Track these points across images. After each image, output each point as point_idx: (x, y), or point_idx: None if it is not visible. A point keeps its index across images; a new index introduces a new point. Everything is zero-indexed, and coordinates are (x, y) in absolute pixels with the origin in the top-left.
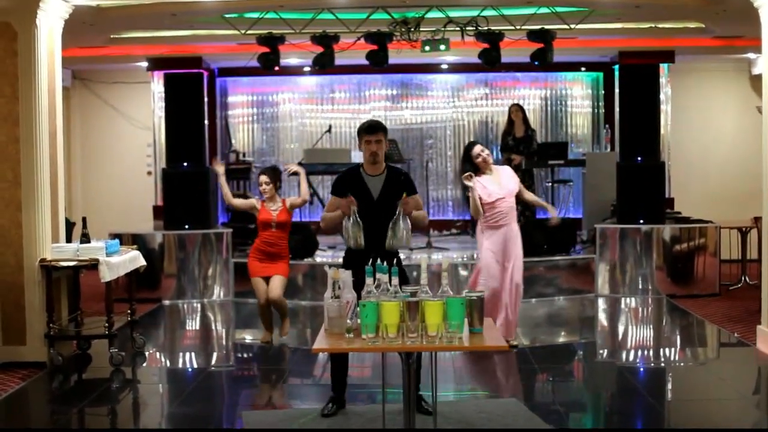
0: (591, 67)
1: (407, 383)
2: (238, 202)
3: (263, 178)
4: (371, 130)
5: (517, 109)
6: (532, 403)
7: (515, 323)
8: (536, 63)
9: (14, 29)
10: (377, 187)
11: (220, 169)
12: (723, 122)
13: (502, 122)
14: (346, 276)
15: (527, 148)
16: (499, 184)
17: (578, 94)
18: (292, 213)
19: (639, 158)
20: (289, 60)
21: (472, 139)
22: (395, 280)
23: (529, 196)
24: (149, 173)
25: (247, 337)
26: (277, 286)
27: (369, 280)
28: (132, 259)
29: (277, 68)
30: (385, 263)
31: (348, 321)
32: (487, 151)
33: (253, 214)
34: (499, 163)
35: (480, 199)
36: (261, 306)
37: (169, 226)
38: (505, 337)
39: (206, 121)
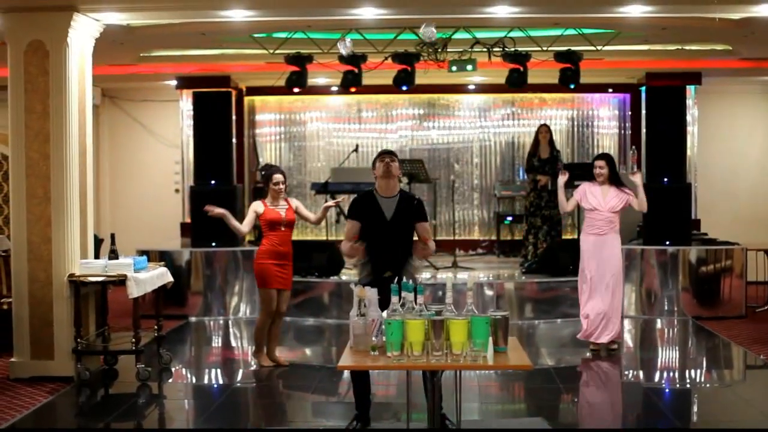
0: (618, 88)
1: (431, 401)
2: (247, 222)
3: (280, 177)
4: (384, 152)
5: (545, 130)
6: (556, 423)
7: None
8: (572, 86)
9: (46, 47)
10: (390, 208)
11: (218, 212)
12: (750, 144)
13: (528, 143)
14: (371, 294)
15: (552, 168)
16: (605, 197)
17: (605, 115)
18: (297, 211)
19: (665, 179)
20: (316, 80)
21: (498, 160)
22: (410, 296)
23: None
24: (177, 191)
25: (255, 363)
26: (286, 299)
27: (394, 299)
28: (159, 275)
29: (297, 90)
30: (396, 281)
31: (373, 339)
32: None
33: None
34: (524, 183)
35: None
36: (270, 315)
37: (196, 243)
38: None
39: (234, 140)
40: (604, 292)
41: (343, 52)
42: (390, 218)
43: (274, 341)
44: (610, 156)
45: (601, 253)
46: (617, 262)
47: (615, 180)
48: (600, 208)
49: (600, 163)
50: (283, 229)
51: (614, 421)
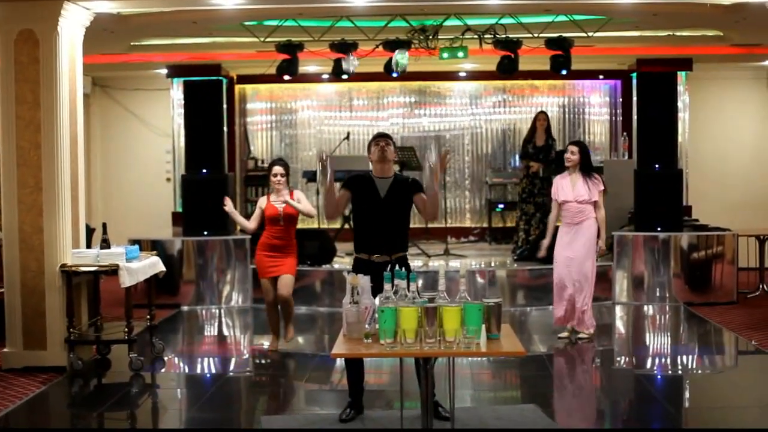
0: (609, 74)
1: (424, 388)
2: (253, 218)
3: (279, 169)
4: (379, 135)
5: (543, 118)
6: (550, 410)
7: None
8: (563, 72)
9: (36, 36)
10: (384, 187)
11: (228, 207)
12: (741, 130)
13: (519, 130)
14: (364, 282)
15: (546, 157)
16: (573, 188)
17: (596, 101)
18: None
19: (657, 166)
20: (307, 67)
21: (490, 147)
22: (403, 284)
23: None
24: (168, 180)
25: (266, 343)
26: (285, 284)
27: (387, 286)
28: (151, 264)
29: (287, 77)
30: (389, 269)
31: (366, 326)
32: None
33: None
34: (517, 170)
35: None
36: (268, 304)
37: (188, 232)
38: (577, 328)
39: (225, 128)
40: (578, 282)
41: (347, 67)
42: (384, 196)
43: (286, 325)
44: (584, 144)
45: (575, 241)
46: (590, 249)
47: (585, 168)
48: (569, 200)
49: (573, 148)
50: (281, 224)
51: (606, 408)
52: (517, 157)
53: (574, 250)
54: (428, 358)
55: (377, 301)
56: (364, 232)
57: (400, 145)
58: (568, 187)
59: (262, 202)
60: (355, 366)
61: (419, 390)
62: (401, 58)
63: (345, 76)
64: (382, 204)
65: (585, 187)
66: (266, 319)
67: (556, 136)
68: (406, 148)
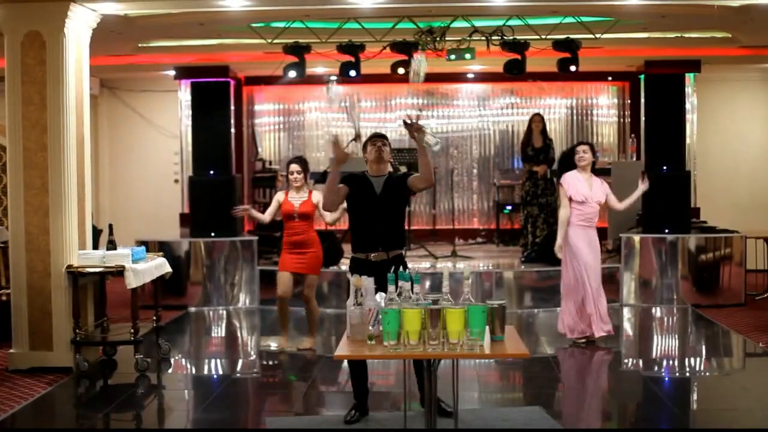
0: (617, 76)
1: (428, 389)
2: (269, 212)
3: (294, 167)
4: (375, 135)
5: (538, 120)
6: (555, 412)
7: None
8: (572, 68)
9: (43, 38)
10: (380, 185)
11: (243, 213)
12: (749, 132)
13: None
14: (368, 283)
15: (546, 157)
16: (591, 188)
17: (604, 103)
18: (317, 206)
19: (665, 168)
20: (315, 69)
21: (498, 149)
22: (407, 285)
23: (625, 202)
24: (176, 181)
25: (273, 344)
26: (308, 285)
27: (391, 288)
28: (158, 266)
29: (293, 74)
30: (392, 270)
31: (370, 328)
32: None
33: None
34: (521, 173)
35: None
36: (279, 298)
37: (195, 233)
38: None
39: (233, 130)
40: (597, 285)
41: (332, 95)
42: (379, 193)
43: (309, 330)
44: (592, 144)
45: (590, 245)
46: (599, 251)
47: (593, 168)
48: (590, 200)
49: (585, 147)
50: (297, 220)
51: (613, 410)
52: (518, 160)
53: (593, 255)
54: (431, 360)
55: (382, 302)
56: (360, 231)
57: (407, 147)
58: (585, 187)
59: (280, 196)
60: (358, 368)
61: (419, 391)
62: (420, 63)
63: (353, 72)
64: (378, 201)
65: (601, 188)
66: (277, 317)
67: (565, 138)
68: (414, 150)
